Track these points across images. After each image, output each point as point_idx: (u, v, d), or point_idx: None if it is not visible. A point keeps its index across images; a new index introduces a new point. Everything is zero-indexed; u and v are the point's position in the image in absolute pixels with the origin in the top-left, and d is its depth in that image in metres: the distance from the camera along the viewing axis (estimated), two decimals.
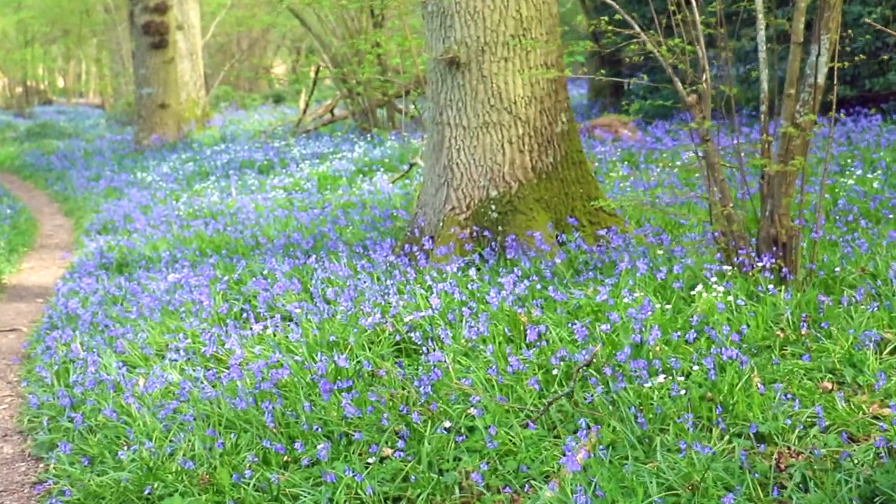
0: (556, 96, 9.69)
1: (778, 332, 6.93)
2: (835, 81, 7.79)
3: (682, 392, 5.91)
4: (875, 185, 11.31)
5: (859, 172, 11.80)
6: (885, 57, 16.36)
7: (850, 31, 10.86)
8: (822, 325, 6.84)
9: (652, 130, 18.71)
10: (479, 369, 6.71)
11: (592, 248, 9.08)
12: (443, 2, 9.47)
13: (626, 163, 15.94)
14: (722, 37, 8.09)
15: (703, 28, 7.92)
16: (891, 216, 9.66)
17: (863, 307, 7.08)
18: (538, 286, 8.08)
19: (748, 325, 6.88)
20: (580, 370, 6.11)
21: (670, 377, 6.15)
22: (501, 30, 9.42)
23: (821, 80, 7.62)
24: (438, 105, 9.71)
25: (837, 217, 9.81)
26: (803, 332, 6.80)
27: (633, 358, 6.41)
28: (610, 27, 7.98)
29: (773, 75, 8.17)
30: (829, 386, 6.11)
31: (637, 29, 8.01)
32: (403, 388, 6.57)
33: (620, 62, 23.06)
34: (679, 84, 7.89)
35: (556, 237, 9.38)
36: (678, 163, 15.14)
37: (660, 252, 8.64)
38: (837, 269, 7.81)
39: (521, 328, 7.35)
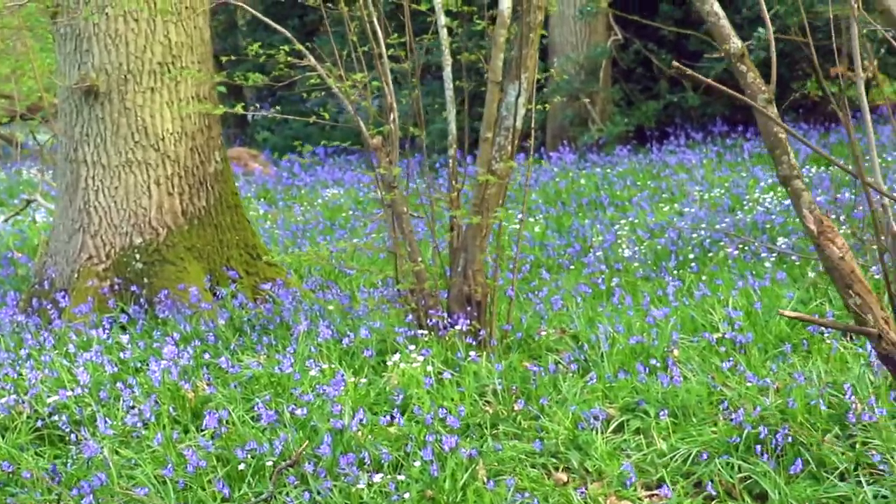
0: (210, 132, 8.62)
1: (486, 407, 6.15)
2: (532, 125, 7.15)
3: (405, 495, 4.99)
4: (537, 229, 10.86)
5: (520, 216, 11.31)
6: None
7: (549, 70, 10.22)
8: (541, 400, 6.07)
9: (285, 165, 17.84)
10: (146, 463, 5.55)
11: (256, 304, 8.06)
12: (79, 22, 8.18)
13: (262, 199, 15.03)
14: (410, 73, 7.27)
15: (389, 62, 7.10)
16: (571, 266, 9.14)
17: (571, 376, 6.41)
18: (205, 354, 6.96)
19: (460, 402, 6.03)
20: (281, 471, 5.07)
21: (386, 475, 5.21)
22: (148, 56, 8.25)
23: (519, 122, 6.96)
24: (73, 140, 8.40)
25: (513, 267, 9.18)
26: (516, 409, 6.02)
27: (336, 449, 5.42)
28: (288, 58, 6.99)
29: (462, 116, 7.44)
30: (564, 478, 5.35)
31: (312, 60, 7.10)
32: (52, 493, 5.32)
33: (241, 92, 22.05)
34: (362, 123, 7.03)
35: (213, 291, 8.29)
36: (319, 200, 14.35)
37: (330, 307, 7.73)
38: (542, 332, 7.11)
39: (189, 406, 6.24)
